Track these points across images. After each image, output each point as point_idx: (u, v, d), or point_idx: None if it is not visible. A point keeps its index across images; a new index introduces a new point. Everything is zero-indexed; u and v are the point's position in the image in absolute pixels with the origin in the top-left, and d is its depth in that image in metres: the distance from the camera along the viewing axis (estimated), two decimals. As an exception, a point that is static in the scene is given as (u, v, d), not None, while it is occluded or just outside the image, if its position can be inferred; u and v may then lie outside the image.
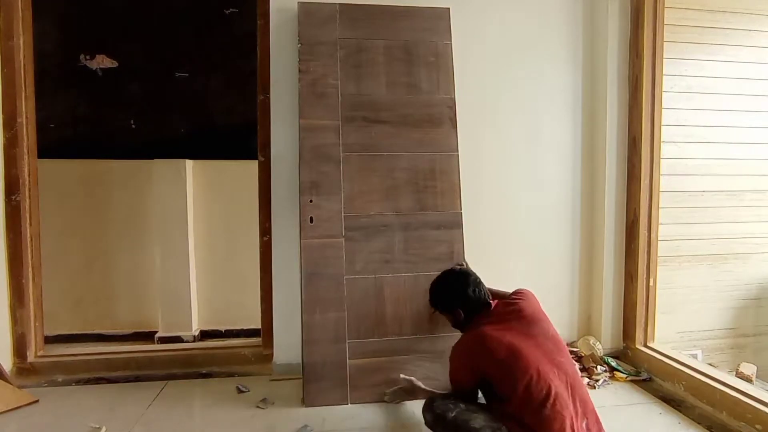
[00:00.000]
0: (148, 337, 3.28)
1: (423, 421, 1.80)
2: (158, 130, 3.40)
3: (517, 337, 1.64)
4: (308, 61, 2.33)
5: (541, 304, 1.84)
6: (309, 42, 2.35)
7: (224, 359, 2.55)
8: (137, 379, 2.43)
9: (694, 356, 2.63)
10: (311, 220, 2.26)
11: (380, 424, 2.01)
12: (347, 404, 2.16)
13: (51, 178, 3.04)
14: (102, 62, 3.31)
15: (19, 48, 2.38)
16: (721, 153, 2.79)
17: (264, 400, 2.18)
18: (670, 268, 2.73)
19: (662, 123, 2.55)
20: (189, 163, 3.28)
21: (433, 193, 2.34)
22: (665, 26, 2.52)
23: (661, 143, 2.55)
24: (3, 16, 2.34)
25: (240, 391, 2.28)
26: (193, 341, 3.25)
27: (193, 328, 3.32)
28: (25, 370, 2.41)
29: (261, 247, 2.54)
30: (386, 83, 2.37)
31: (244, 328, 3.34)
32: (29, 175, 2.44)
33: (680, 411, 2.10)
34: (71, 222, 3.27)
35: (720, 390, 2.04)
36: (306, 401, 2.15)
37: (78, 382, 2.39)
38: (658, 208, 2.56)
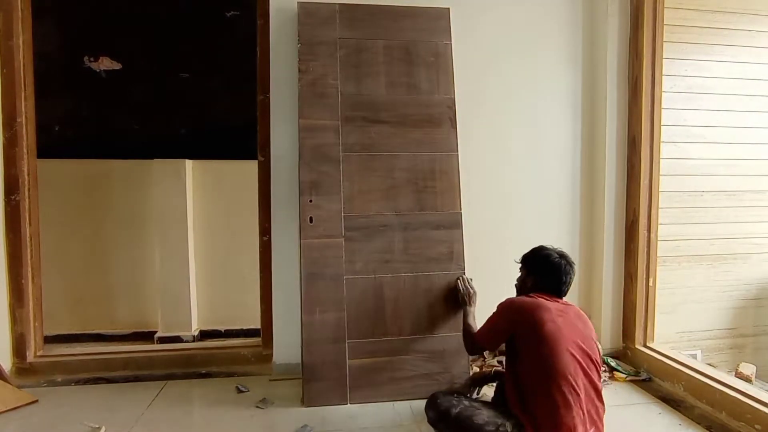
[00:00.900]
0: (147, 337, 3.29)
1: (424, 420, 1.81)
2: (159, 130, 3.41)
3: (562, 325, 1.66)
4: (308, 61, 2.33)
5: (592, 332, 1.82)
6: (309, 42, 2.35)
7: (224, 359, 2.55)
8: (137, 379, 2.43)
9: (694, 356, 2.63)
10: (311, 219, 2.26)
11: (380, 424, 2.01)
12: (347, 404, 2.16)
13: (51, 177, 3.04)
14: (105, 64, 3.32)
15: (18, 48, 2.38)
16: (721, 153, 2.79)
17: (263, 400, 2.18)
18: (670, 268, 2.73)
19: (662, 123, 2.55)
20: (189, 163, 3.28)
21: (433, 193, 2.34)
22: (665, 26, 2.52)
23: (661, 143, 2.55)
24: (3, 16, 2.34)
25: (240, 391, 2.28)
26: (193, 341, 3.25)
27: (193, 328, 3.32)
28: (24, 370, 2.40)
29: (261, 246, 2.54)
30: (386, 83, 2.37)
31: (244, 328, 3.34)
32: (29, 175, 2.44)
33: (680, 411, 2.10)
34: (71, 222, 3.27)
35: (719, 390, 2.04)
36: (305, 401, 2.15)
37: (77, 382, 2.39)
38: (657, 208, 2.56)
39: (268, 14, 2.44)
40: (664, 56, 2.53)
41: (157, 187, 3.23)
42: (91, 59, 3.32)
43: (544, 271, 1.86)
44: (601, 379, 1.78)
